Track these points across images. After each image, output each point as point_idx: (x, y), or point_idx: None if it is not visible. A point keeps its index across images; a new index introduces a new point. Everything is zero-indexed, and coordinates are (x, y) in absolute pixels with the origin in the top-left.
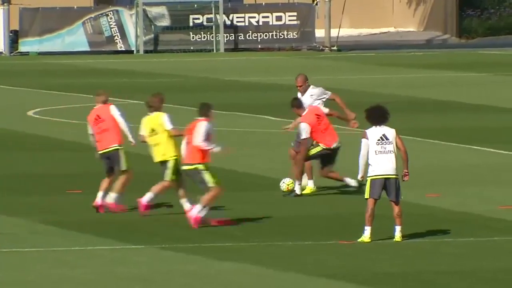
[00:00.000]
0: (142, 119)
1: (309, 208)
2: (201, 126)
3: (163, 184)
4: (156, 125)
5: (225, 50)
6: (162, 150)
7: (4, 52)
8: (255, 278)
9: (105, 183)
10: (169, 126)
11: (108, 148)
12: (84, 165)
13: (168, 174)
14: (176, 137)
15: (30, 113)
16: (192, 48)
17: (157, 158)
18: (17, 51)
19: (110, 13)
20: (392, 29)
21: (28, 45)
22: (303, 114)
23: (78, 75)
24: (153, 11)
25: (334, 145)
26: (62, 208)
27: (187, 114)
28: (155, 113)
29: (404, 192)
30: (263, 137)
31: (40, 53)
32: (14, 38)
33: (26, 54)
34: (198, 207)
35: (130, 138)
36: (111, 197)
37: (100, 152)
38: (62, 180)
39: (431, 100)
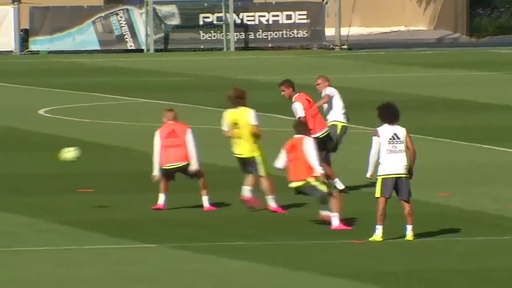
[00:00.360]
0: (224, 113)
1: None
2: (311, 144)
3: (265, 181)
4: (241, 120)
5: (235, 49)
6: (245, 145)
7: (14, 51)
8: (263, 277)
9: (164, 185)
10: (254, 121)
11: (176, 164)
12: (95, 164)
13: (262, 169)
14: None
15: (41, 112)
16: (202, 47)
17: (240, 152)
18: (27, 50)
19: (120, 12)
20: (402, 28)
21: (38, 44)
22: (295, 96)
23: (88, 74)
24: (163, 9)
25: (318, 134)
26: (72, 207)
27: (197, 113)
28: (241, 108)
29: (415, 191)
30: (273, 136)
31: (50, 52)
32: (24, 37)
33: (36, 53)
34: (335, 215)
35: (193, 165)
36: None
37: (166, 166)
38: (72, 179)
39: (441, 99)
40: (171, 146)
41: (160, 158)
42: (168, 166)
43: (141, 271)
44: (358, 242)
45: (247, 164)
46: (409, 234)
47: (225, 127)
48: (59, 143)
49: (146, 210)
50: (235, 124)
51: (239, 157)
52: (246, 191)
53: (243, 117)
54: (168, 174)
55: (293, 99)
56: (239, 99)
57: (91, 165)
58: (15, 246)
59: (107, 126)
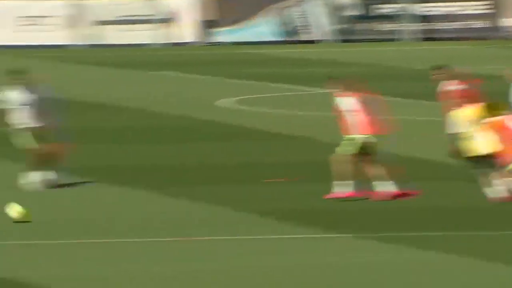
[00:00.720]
0: (463, 110)
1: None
2: None
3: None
4: (487, 115)
5: (413, 39)
6: (489, 141)
7: (196, 41)
8: (460, 269)
9: (350, 169)
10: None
11: (364, 135)
12: (281, 154)
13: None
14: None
15: (223, 102)
16: (379, 37)
17: (486, 149)
18: (209, 41)
19: (299, 3)
20: None
21: (220, 35)
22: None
23: (267, 65)
24: (343, 0)
25: None
26: (259, 196)
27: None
28: (480, 104)
29: None
30: None
31: (231, 43)
32: (206, 27)
33: (218, 44)
34: None
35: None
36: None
37: (355, 136)
38: (259, 169)
39: None
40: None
41: (346, 128)
42: (358, 136)
43: (329, 261)
44: None
45: (489, 159)
46: None
47: (463, 126)
48: (243, 133)
49: (334, 200)
50: (481, 121)
51: (481, 155)
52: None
53: (486, 113)
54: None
55: (452, 82)
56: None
57: (276, 155)
58: (204, 235)
59: (289, 116)
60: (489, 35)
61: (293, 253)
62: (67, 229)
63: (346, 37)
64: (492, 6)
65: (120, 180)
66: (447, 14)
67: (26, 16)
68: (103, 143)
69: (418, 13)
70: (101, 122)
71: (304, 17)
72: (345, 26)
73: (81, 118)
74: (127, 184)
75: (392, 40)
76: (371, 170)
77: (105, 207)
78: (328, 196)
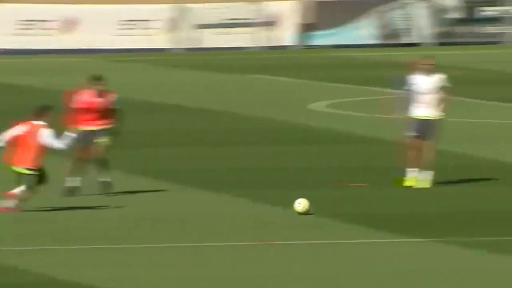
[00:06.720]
0: None
1: None
2: None
3: None
4: None
5: None
6: None
7: (294, 45)
8: None
9: None
10: None
11: None
12: (365, 158)
13: None
14: None
15: (313, 106)
16: (481, 40)
17: None
18: (308, 44)
19: (402, 5)
20: None
21: (317, 38)
22: None
23: (365, 68)
24: (446, 3)
25: None
26: (342, 200)
27: (473, 107)
28: None
29: None
30: None
31: (329, 46)
32: (305, 31)
33: (317, 47)
34: None
35: None
36: None
37: None
38: (341, 173)
39: None
40: None
41: None
42: None
43: (416, 268)
44: None
45: None
46: None
47: None
48: (330, 137)
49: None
50: None
51: None
52: None
53: None
54: None
55: None
56: None
57: (361, 159)
58: (285, 240)
59: (381, 120)
60: None
61: (382, 259)
62: (140, 232)
63: (447, 40)
64: None
65: (210, 185)
66: None
67: (128, 20)
68: (186, 145)
69: None
70: (186, 124)
71: (406, 19)
72: (446, 28)
73: (163, 120)
74: (212, 188)
75: (494, 43)
76: None
77: (183, 208)
78: None
